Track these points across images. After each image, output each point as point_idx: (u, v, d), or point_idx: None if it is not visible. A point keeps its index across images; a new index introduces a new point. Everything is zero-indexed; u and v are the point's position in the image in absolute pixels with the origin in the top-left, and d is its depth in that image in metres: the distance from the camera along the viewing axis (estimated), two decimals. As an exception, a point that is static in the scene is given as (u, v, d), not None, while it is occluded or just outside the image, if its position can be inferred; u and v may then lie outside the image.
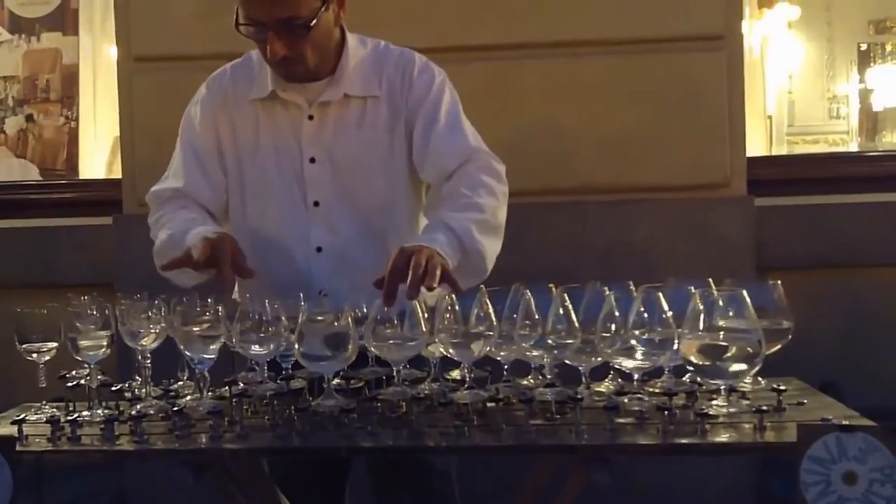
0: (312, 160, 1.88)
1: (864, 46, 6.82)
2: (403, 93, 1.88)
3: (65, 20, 4.34)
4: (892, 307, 2.88)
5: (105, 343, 1.55)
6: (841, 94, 6.86)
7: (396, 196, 1.90)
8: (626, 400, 1.47)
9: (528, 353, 1.51)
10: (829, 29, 6.96)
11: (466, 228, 1.74)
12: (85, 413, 1.55)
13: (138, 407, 1.54)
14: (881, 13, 6.86)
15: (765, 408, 1.40)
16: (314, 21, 1.74)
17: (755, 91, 4.62)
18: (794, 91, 6.88)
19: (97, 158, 3.92)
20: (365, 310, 1.55)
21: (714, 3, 2.82)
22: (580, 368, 1.52)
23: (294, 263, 1.87)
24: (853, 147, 6.39)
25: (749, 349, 1.39)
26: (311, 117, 1.88)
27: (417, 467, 1.82)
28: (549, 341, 1.47)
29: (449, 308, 1.49)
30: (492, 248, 1.80)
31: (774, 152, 6.02)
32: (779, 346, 1.52)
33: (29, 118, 3.86)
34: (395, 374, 1.52)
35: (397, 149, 1.89)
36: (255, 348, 1.51)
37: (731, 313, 1.40)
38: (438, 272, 1.58)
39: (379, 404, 1.53)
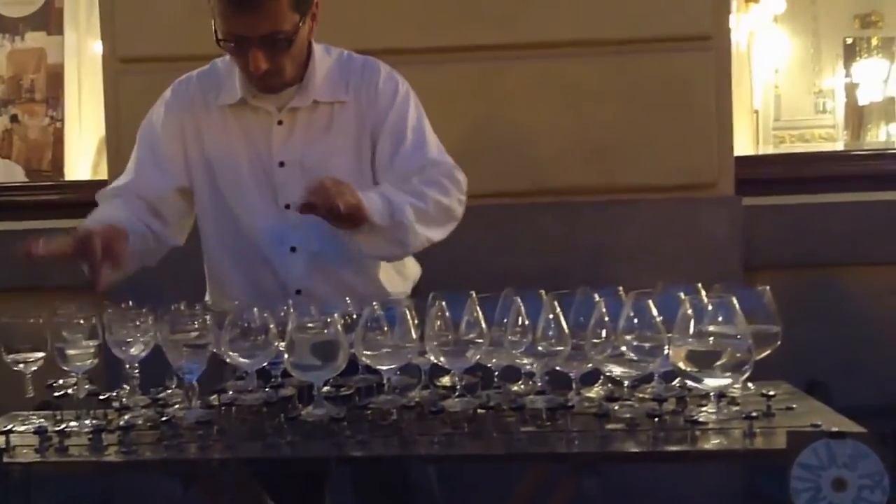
0: (282, 164, 1.91)
1: (849, 41, 6.84)
2: (370, 99, 1.92)
3: (49, 19, 4.30)
4: (880, 306, 2.89)
5: (92, 352, 1.54)
6: (827, 89, 6.88)
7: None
8: (616, 406, 1.48)
9: (518, 360, 1.51)
10: (815, 23, 6.98)
11: (400, 203, 1.77)
12: (73, 423, 1.54)
13: (126, 417, 1.53)
14: (866, 7, 6.88)
15: (754, 414, 1.41)
16: (295, 34, 1.78)
17: (742, 86, 4.63)
18: (780, 85, 6.90)
19: (83, 159, 3.89)
20: (354, 316, 1.55)
21: (701, 2, 2.82)
22: (570, 375, 1.52)
23: (270, 264, 1.90)
24: (839, 142, 6.42)
25: (738, 355, 1.39)
26: (280, 122, 1.91)
27: (398, 470, 1.82)
28: (540, 348, 1.47)
29: (439, 315, 1.49)
30: (422, 231, 1.80)
31: (761, 147, 6.04)
32: (768, 351, 1.52)
33: (13, 119, 3.83)
34: (385, 381, 1.52)
35: (364, 152, 1.92)
36: (244, 357, 1.50)
37: (720, 319, 1.41)
38: (350, 200, 1.64)
39: (369, 412, 1.52)
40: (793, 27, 6.91)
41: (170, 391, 1.65)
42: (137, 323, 1.54)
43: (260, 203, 1.91)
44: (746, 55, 5.91)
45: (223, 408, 1.54)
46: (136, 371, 1.58)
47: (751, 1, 6.24)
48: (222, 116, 1.93)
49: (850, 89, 6.70)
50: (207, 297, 1.98)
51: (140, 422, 1.53)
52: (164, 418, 1.51)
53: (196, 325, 1.48)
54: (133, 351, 1.56)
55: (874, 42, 6.85)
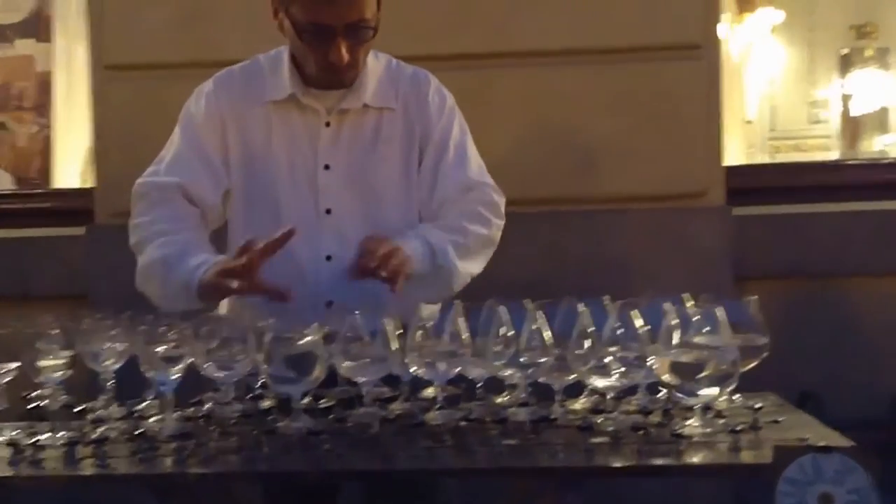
0: (327, 167, 1.86)
1: (845, 51, 6.87)
2: (419, 111, 1.89)
3: (39, 26, 4.29)
4: (871, 316, 2.88)
5: (65, 363, 1.51)
6: (822, 99, 6.91)
7: (408, 209, 1.89)
8: (600, 419, 1.45)
9: (501, 371, 1.49)
10: (811, 34, 7.01)
11: (442, 246, 1.79)
12: (46, 435, 1.51)
13: (101, 429, 1.50)
14: (862, 18, 6.91)
15: (740, 427, 1.39)
16: (377, 23, 1.75)
17: (735, 97, 4.64)
18: (775, 96, 6.93)
19: (71, 167, 3.87)
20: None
21: (692, 12, 2.81)
22: (554, 386, 1.50)
23: (302, 272, 1.82)
24: (834, 152, 6.43)
25: (723, 367, 1.37)
26: (328, 124, 1.86)
27: (415, 494, 1.77)
28: (523, 359, 1.45)
29: (421, 325, 1.46)
30: (465, 267, 1.83)
31: (756, 157, 6.05)
32: (754, 363, 1.50)
33: (2, 126, 3.81)
34: (364, 393, 1.49)
35: (411, 164, 1.89)
36: (222, 369, 1.47)
37: (705, 330, 1.39)
38: (402, 279, 1.65)
39: (349, 425, 1.50)
40: (788, 38, 6.94)
41: (146, 403, 1.62)
42: (112, 333, 1.51)
43: (298, 207, 1.85)
44: (740, 65, 5.92)
45: (200, 420, 1.51)
46: (112, 382, 1.55)
47: (745, 11, 6.26)
48: (265, 113, 1.87)
49: (845, 100, 6.72)
50: (225, 309, 1.90)
51: (115, 434, 1.49)
52: (139, 431, 1.48)
53: (173, 336, 1.45)
54: (107, 362, 1.53)
55: (869, 53, 6.87)
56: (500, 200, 1.94)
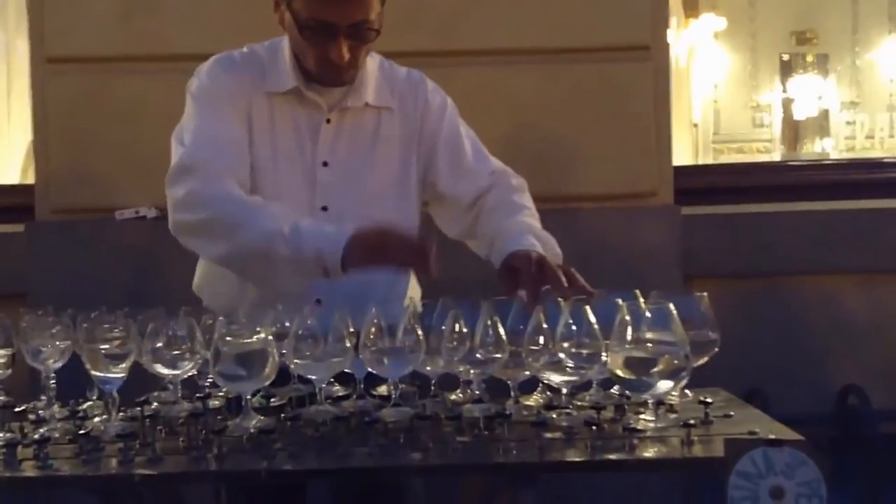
0: (325, 164, 1.83)
1: (786, 57, 7.04)
2: (418, 110, 1.89)
3: (-24, 19, 4.15)
4: (816, 315, 2.94)
5: (3, 362, 1.46)
6: (764, 104, 7.06)
7: (404, 209, 1.87)
8: (554, 415, 1.45)
9: (455, 368, 1.48)
10: (753, 40, 7.17)
11: (540, 231, 1.85)
12: (-16, 437, 1.46)
13: (42, 430, 1.45)
14: (803, 25, 7.09)
15: (692, 422, 1.40)
16: (380, 25, 1.73)
17: (682, 100, 4.72)
18: (719, 100, 7.06)
19: (12, 162, 3.77)
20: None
21: (640, 13, 2.84)
22: (509, 383, 1.50)
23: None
24: (776, 155, 6.57)
25: (676, 362, 1.38)
26: (328, 121, 1.83)
27: (389, 494, 1.76)
28: (478, 356, 1.44)
29: (375, 322, 1.45)
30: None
31: (701, 160, 6.16)
32: (706, 359, 1.51)
33: (-62, 121, 3.69)
34: (317, 391, 1.47)
35: (409, 164, 1.88)
36: (168, 367, 1.43)
37: (658, 325, 1.39)
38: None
39: (301, 424, 1.47)
40: (731, 43, 7.08)
41: (90, 403, 1.57)
42: (53, 331, 1.46)
43: (294, 201, 1.79)
44: (686, 70, 6.03)
45: (146, 420, 1.47)
46: (53, 381, 1.50)
47: (690, 17, 6.37)
48: (267, 103, 1.81)
49: (787, 104, 6.88)
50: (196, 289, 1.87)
51: (57, 435, 1.44)
52: (82, 431, 1.44)
53: (117, 333, 1.41)
54: (49, 360, 1.48)
55: (809, 59, 7.05)
56: (521, 181, 1.99)
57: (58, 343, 1.48)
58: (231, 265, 1.75)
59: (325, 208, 1.82)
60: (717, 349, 1.53)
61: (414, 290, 1.94)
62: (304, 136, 1.82)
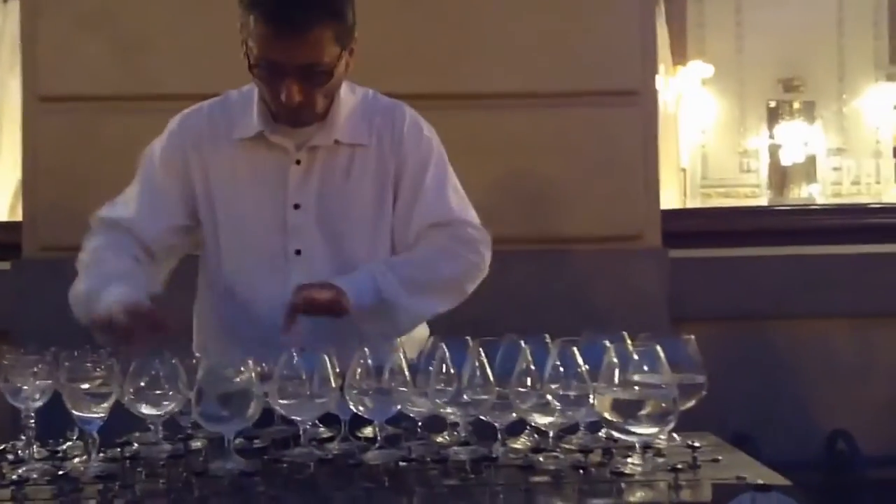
0: (297, 206, 1.81)
1: (773, 104, 7.15)
2: (394, 146, 1.84)
3: (-31, 57, 4.17)
4: (804, 359, 2.94)
5: (-17, 401, 1.44)
6: (752, 149, 7.15)
7: (379, 249, 1.85)
8: (541, 458, 1.44)
9: (442, 409, 1.47)
10: (741, 86, 7.27)
11: (390, 280, 1.76)
12: (-39, 478, 1.43)
13: (20, 470, 1.42)
14: (789, 72, 7.21)
15: (679, 466, 1.39)
16: (334, 69, 1.70)
17: (670, 145, 4.76)
18: (707, 145, 7.15)
19: (0, 200, 3.76)
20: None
21: (630, 59, 2.87)
22: (496, 425, 1.48)
23: (271, 316, 1.71)
24: (763, 199, 6.64)
25: (664, 405, 1.37)
26: (298, 162, 1.81)
27: None
28: (465, 397, 1.43)
29: (361, 362, 1.44)
30: (418, 307, 1.80)
31: (689, 204, 6.20)
32: (693, 402, 1.51)
33: (-71, 157, 3.69)
34: (301, 433, 1.45)
35: (384, 202, 1.84)
36: (150, 407, 1.42)
37: (645, 368, 1.39)
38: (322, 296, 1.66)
39: (284, 466, 1.45)
40: (719, 90, 7.19)
41: (70, 443, 1.55)
42: (35, 369, 1.44)
43: (267, 247, 1.80)
44: (674, 115, 6.10)
45: (127, 461, 1.45)
46: (33, 421, 1.48)
47: (679, 64, 6.47)
48: (232, 151, 1.82)
49: (774, 150, 6.97)
50: (195, 347, 1.87)
51: (35, 476, 1.41)
52: (61, 472, 1.41)
53: (99, 373, 1.39)
54: (30, 399, 1.46)
55: (796, 105, 7.16)
56: (480, 237, 1.87)
57: (38, 382, 1.46)
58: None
59: (298, 252, 1.81)
60: (704, 392, 1.52)
61: (421, 330, 1.90)
62: (273, 179, 1.81)
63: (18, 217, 3.07)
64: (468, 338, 1.47)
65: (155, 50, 2.78)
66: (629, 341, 1.45)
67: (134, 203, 1.86)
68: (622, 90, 2.87)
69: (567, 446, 1.49)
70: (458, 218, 1.87)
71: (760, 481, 1.27)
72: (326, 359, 1.44)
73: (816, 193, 6.55)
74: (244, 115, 1.82)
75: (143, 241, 1.83)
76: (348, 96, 1.84)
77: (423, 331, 1.92)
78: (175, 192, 1.85)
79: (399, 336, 1.79)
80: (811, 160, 6.80)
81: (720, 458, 1.51)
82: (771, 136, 6.95)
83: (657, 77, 3.12)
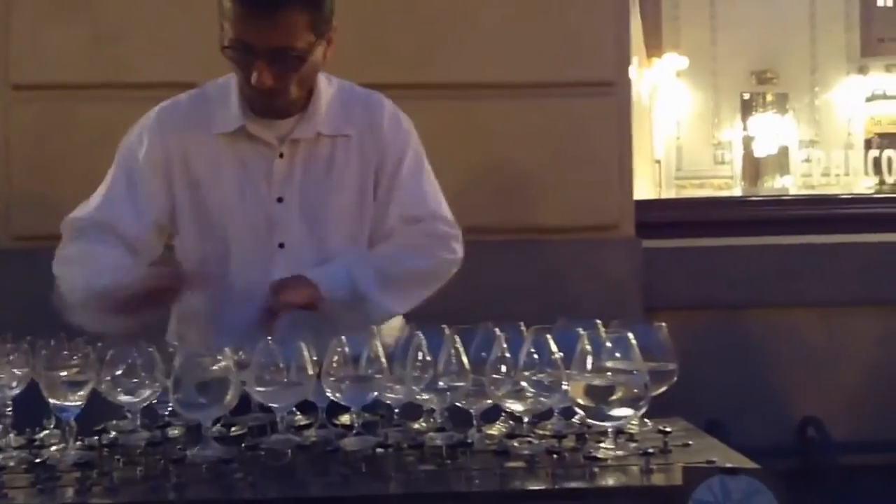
0: (280, 199, 1.81)
1: (746, 96, 7.21)
2: (373, 136, 1.85)
3: (-61, 45, 4.11)
4: (776, 347, 2.98)
5: (-40, 390, 1.44)
6: (725, 141, 7.22)
7: (361, 240, 1.86)
8: (516, 443, 1.46)
9: (418, 396, 1.48)
10: (715, 79, 7.33)
11: (365, 274, 1.77)
12: (-64, 466, 1.43)
13: (-2, 458, 1.43)
14: (763, 65, 7.28)
15: (651, 450, 1.41)
16: (308, 55, 1.69)
17: (644, 136, 4.80)
18: (681, 137, 7.21)
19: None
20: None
21: (604, 50, 2.90)
22: (471, 411, 1.50)
23: (253, 307, 1.72)
24: (737, 190, 6.71)
25: (635, 390, 1.40)
26: (281, 155, 1.80)
27: None
28: (440, 384, 1.45)
29: (338, 350, 1.45)
30: (389, 302, 1.81)
31: (663, 195, 6.26)
32: (664, 388, 1.53)
33: None
34: (279, 420, 1.46)
35: (366, 192, 1.85)
36: (127, 395, 1.42)
37: (617, 354, 1.42)
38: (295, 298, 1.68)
39: (262, 453, 1.46)
40: (693, 82, 7.24)
41: (47, 431, 1.55)
42: (11, 357, 1.45)
43: (251, 241, 1.80)
44: (649, 107, 6.14)
45: (104, 449, 1.45)
46: (9, 409, 1.48)
47: (653, 56, 6.51)
48: (215, 145, 1.80)
49: (747, 142, 7.04)
50: (169, 335, 1.87)
51: (13, 464, 1.42)
52: (39, 460, 1.41)
53: (76, 361, 1.39)
54: (6, 387, 1.46)
55: (769, 98, 7.23)
56: (453, 233, 1.90)
57: (15, 370, 1.46)
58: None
59: (282, 245, 1.82)
60: (675, 379, 1.55)
61: (397, 319, 1.91)
62: (256, 173, 1.81)
63: (-8, 206, 3.04)
64: (444, 326, 1.49)
65: (130, 38, 2.76)
66: (602, 329, 1.47)
67: (117, 202, 1.82)
68: (596, 81, 2.89)
69: (541, 432, 1.51)
70: (432, 212, 1.89)
71: (730, 465, 1.30)
72: (303, 347, 1.45)
73: (789, 184, 6.63)
74: (223, 108, 1.81)
75: (127, 239, 1.81)
76: (326, 88, 1.83)
77: (398, 320, 1.93)
78: (158, 189, 1.83)
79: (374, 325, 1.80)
80: (784, 151, 6.88)
81: (691, 442, 1.54)
82: (744, 128, 7.02)
83: (631, 68, 3.14)
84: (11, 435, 1.50)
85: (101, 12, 2.76)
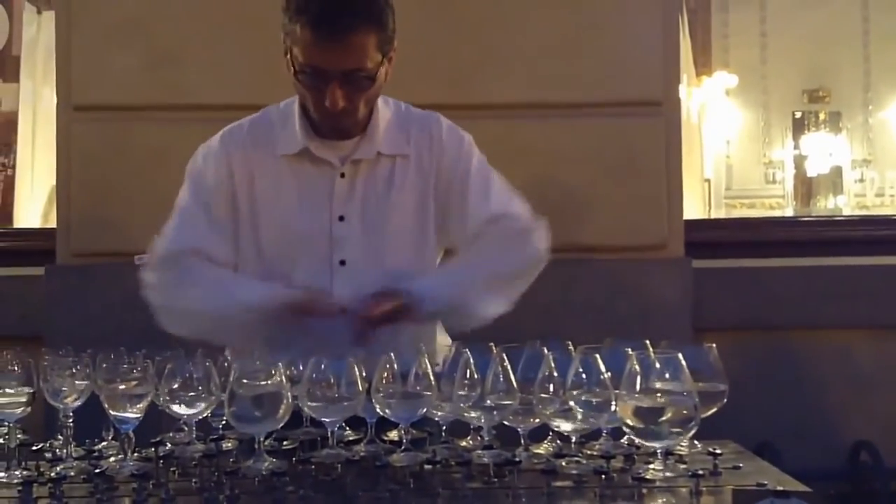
0: (342, 218, 1.85)
1: (798, 114, 7.10)
2: (433, 154, 1.88)
3: (5, 66, 4.28)
4: (828, 369, 2.93)
5: (24, 401, 1.49)
6: (777, 160, 7.11)
7: (423, 258, 1.89)
8: (563, 463, 1.46)
9: (466, 414, 1.49)
10: (765, 97, 7.24)
11: (461, 285, 1.82)
12: (1, 474, 1.48)
13: (58, 468, 1.47)
14: (814, 83, 7.16)
15: (701, 472, 1.40)
16: (376, 74, 1.74)
17: (693, 155, 4.76)
18: (731, 156, 7.11)
19: (33, 207, 3.83)
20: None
21: (653, 70, 2.89)
22: (519, 430, 1.51)
23: (316, 325, 1.73)
24: (789, 211, 6.60)
25: (685, 412, 1.39)
26: (342, 175, 1.85)
27: None
28: (488, 402, 1.46)
29: (387, 367, 1.47)
30: (485, 303, 1.84)
31: (713, 215, 6.18)
32: (714, 409, 1.52)
33: (-37, 166, 3.78)
34: (329, 435, 1.49)
35: (427, 211, 1.88)
36: (184, 408, 1.46)
37: (667, 375, 1.41)
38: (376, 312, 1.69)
39: (313, 467, 1.48)
40: (744, 100, 7.15)
41: (105, 443, 1.59)
42: (73, 370, 1.49)
43: (312, 259, 1.84)
44: (698, 126, 6.09)
45: (160, 460, 1.49)
46: (71, 420, 1.52)
47: (703, 74, 6.46)
48: (278, 166, 1.84)
49: (799, 161, 6.92)
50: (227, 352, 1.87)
51: (73, 474, 1.46)
52: (97, 470, 1.45)
53: (135, 374, 1.43)
54: (68, 399, 1.51)
55: (822, 116, 7.10)
56: (534, 227, 1.92)
57: (77, 382, 1.51)
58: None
59: (342, 262, 1.85)
60: (725, 400, 1.53)
61: (443, 337, 1.94)
62: (320, 193, 1.85)
63: (52, 223, 3.13)
64: (491, 344, 1.50)
65: (187, 61, 2.83)
66: (651, 349, 1.47)
67: (200, 228, 1.86)
68: (645, 100, 2.89)
69: (589, 452, 1.51)
70: (505, 212, 1.92)
71: (780, 488, 1.29)
72: (354, 363, 1.47)
73: (842, 204, 6.50)
74: (285, 130, 1.85)
75: (220, 263, 1.85)
76: (383, 108, 1.88)
77: (446, 338, 1.95)
78: (227, 211, 1.87)
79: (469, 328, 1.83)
80: (836, 171, 6.75)
81: (741, 465, 1.53)
82: (796, 147, 6.90)
83: (680, 87, 3.13)
84: (72, 446, 1.54)
85: (158, 36, 2.84)
